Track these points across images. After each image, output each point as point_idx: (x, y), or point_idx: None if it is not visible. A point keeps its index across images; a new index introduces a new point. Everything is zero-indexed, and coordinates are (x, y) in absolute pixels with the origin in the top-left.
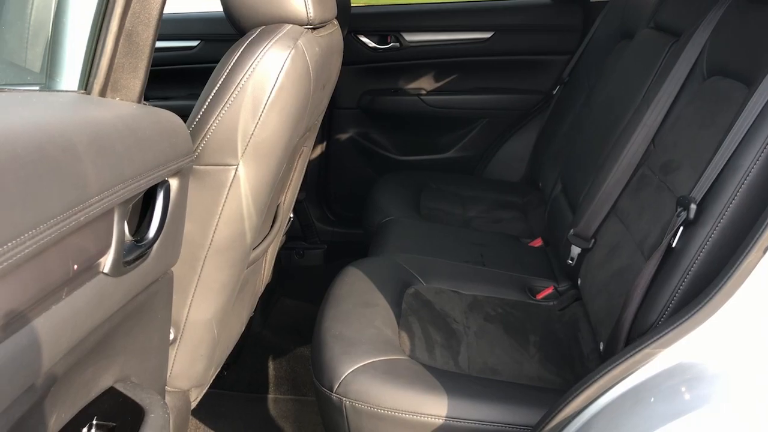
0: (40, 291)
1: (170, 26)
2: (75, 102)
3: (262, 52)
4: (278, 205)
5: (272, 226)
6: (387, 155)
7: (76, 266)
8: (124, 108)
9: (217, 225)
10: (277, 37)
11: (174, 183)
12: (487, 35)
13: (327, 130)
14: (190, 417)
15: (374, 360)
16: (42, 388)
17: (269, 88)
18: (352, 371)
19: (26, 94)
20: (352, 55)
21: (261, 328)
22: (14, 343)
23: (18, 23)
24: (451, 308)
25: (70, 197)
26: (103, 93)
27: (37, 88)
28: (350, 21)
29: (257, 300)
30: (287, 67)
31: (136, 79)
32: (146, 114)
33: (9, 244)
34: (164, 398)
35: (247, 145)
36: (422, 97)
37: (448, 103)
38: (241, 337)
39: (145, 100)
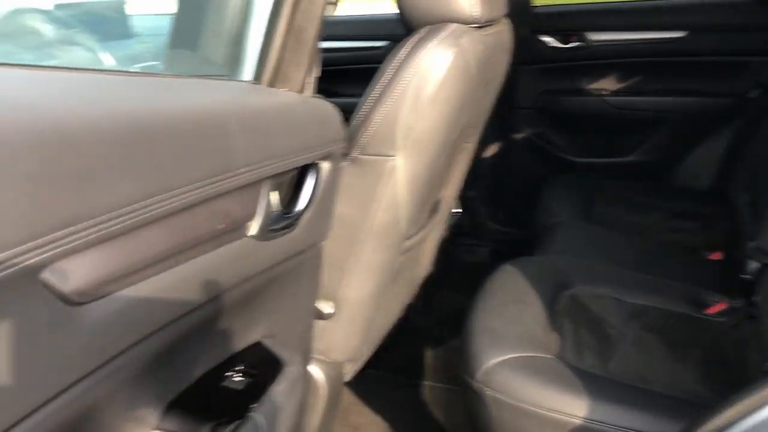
0: (189, 240)
1: (360, 27)
2: (241, 89)
3: (426, 51)
4: (439, 199)
5: (432, 218)
6: (563, 156)
7: (222, 225)
8: (283, 96)
9: (374, 211)
10: (442, 36)
11: (325, 166)
12: (678, 35)
13: (503, 129)
14: (347, 392)
15: (519, 355)
16: (189, 323)
17: (431, 85)
18: (495, 363)
19: (207, 81)
20: (533, 55)
21: (421, 317)
22: (167, 277)
23: (213, 22)
24: (608, 314)
25: (217, 165)
26: (271, 84)
27: (222, 78)
28: (530, 20)
29: (416, 288)
30: (449, 65)
31: (299, 72)
32: (302, 103)
33: (162, 195)
34: (309, 363)
35: (406, 138)
36: (605, 98)
37: (633, 105)
38: (399, 323)
39: (326, 95)
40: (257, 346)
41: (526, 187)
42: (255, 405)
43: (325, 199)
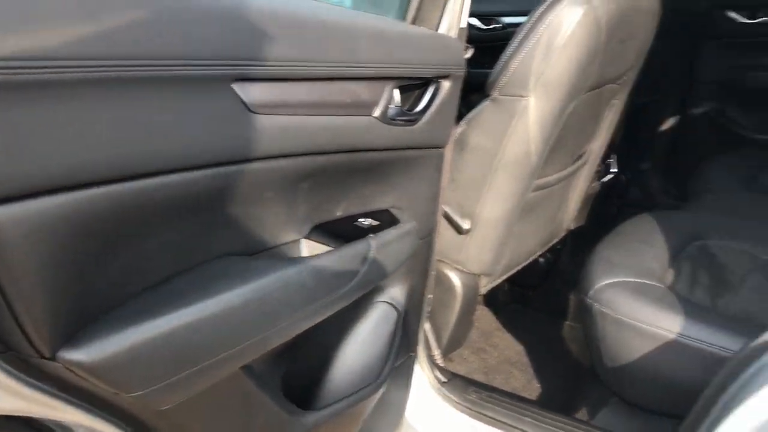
0: (326, 101)
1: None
2: (384, 21)
3: (560, 7)
4: (586, 150)
5: (575, 164)
6: (742, 133)
7: (349, 100)
8: (414, 28)
9: (507, 143)
10: None
11: (445, 84)
12: None
13: (682, 103)
14: (492, 318)
15: (629, 279)
16: (327, 164)
17: (561, 37)
18: (605, 283)
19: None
20: (716, 30)
21: (568, 263)
22: (311, 120)
23: None
24: (734, 264)
25: (344, 55)
26: (413, 23)
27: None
28: None
29: (562, 233)
30: (579, 20)
31: (435, 12)
32: (430, 34)
33: (310, 62)
34: (448, 269)
35: (537, 82)
36: None
37: None
38: (547, 266)
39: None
40: (385, 212)
41: (701, 162)
42: (372, 235)
43: (444, 110)
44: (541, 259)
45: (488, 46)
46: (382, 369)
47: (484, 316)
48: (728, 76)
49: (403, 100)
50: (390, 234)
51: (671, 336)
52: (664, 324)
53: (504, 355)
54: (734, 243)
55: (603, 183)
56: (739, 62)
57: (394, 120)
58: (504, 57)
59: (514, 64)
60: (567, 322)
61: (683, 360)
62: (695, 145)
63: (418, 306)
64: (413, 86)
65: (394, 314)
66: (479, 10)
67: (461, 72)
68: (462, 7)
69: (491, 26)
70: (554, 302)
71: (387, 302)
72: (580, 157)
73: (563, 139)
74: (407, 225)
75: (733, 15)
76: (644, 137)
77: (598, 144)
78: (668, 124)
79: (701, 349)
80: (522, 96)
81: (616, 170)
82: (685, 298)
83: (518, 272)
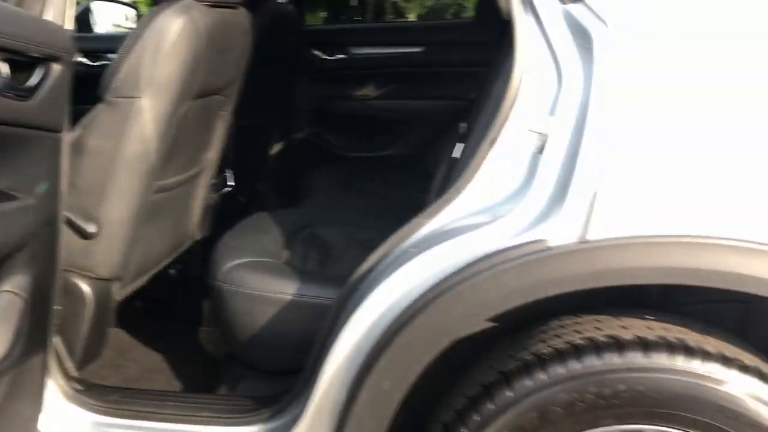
0: None
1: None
2: None
3: (164, 16)
4: (201, 158)
5: (192, 170)
6: (337, 153)
7: None
8: (19, 9)
9: (125, 143)
10: (176, 6)
11: (56, 67)
12: (421, 49)
13: (286, 128)
14: (128, 336)
15: (252, 259)
16: None
17: (167, 42)
18: (231, 265)
19: None
20: (304, 65)
21: (199, 272)
22: None
23: None
24: (338, 242)
25: None
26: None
27: None
28: (301, 35)
29: (189, 241)
30: (181, 28)
31: (37, 4)
32: (34, 15)
33: None
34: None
35: (149, 83)
36: (367, 102)
37: (389, 107)
38: (179, 275)
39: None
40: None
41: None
42: None
43: (56, 93)
44: (172, 271)
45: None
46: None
47: (119, 336)
48: (319, 105)
49: (16, 78)
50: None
51: (291, 298)
52: (285, 289)
53: (143, 366)
54: (336, 228)
55: (222, 195)
56: (326, 93)
57: (2, 92)
58: (114, 61)
59: (125, 67)
60: (203, 328)
61: (303, 317)
62: (301, 165)
63: (45, 299)
64: (24, 64)
65: (19, 304)
66: (87, 47)
67: (71, 58)
68: (65, 3)
69: (98, 63)
70: (189, 311)
71: (11, 291)
72: (197, 164)
73: (180, 144)
74: (24, 201)
75: (317, 53)
76: (256, 158)
77: (212, 154)
78: (277, 146)
79: (317, 304)
80: (135, 97)
81: (233, 184)
82: (300, 268)
83: (150, 287)
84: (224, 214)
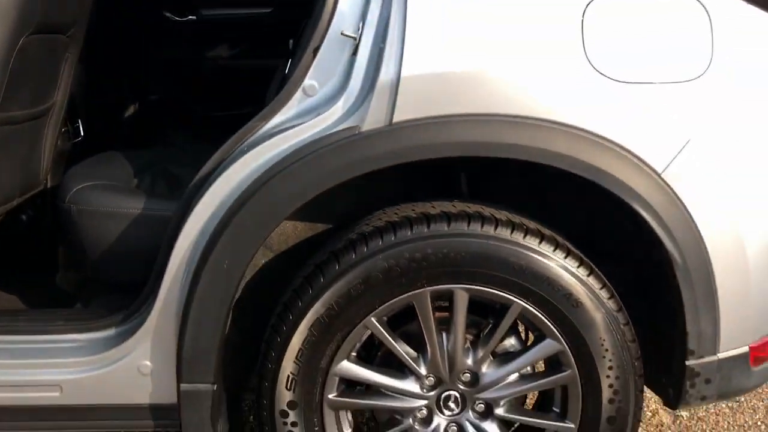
0: None
1: None
2: None
3: None
4: (52, 103)
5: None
6: (193, 113)
7: None
8: None
9: None
10: None
11: None
12: (268, 10)
13: (139, 91)
14: None
15: (102, 182)
16: None
17: None
18: (81, 187)
19: None
20: (157, 25)
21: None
22: None
23: None
24: (183, 174)
25: None
26: None
27: None
28: None
29: (39, 185)
30: None
31: None
32: None
33: None
34: None
35: None
36: (220, 62)
37: (242, 66)
38: (29, 221)
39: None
40: None
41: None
42: None
43: None
44: (24, 216)
45: None
46: None
47: None
48: (172, 66)
49: None
50: None
51: (140, 212)
52: (134, 205)
53: None
54: (186, 168)
55: (74, 144)
56: (179, 54)
57: None
58: None
59: None
60: (59, 274)
61: (152, 231)
62: (156, 125)
63: None
64: None
65: None
66: None
67: None
68: None
69: None
70: (44, 255)
71: None
72: (44, 102)
73: (22, 77)
74: None
75: (168, 14)
76: (109, 116)
77: (60, 97)
78: (131, 108)
79: (166, 217)
80: None
81: (83, 134)
82: (149, 191)
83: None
84: (75, 164)
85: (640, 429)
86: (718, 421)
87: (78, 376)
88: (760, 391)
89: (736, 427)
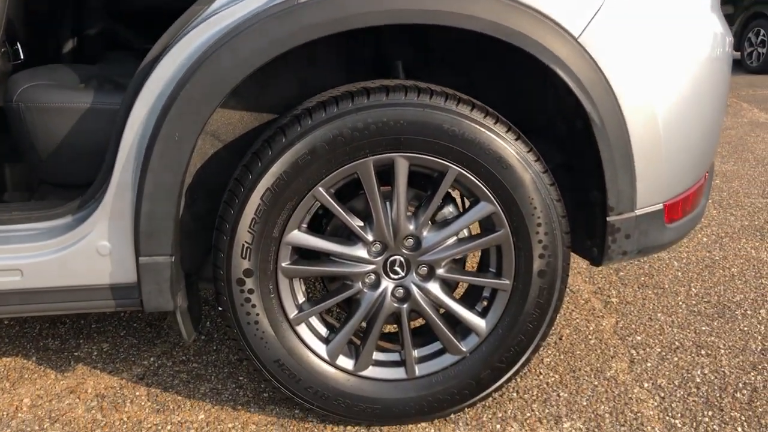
0: None
1: None
2: None
3: None
4: None
5: None
6: (132, 46)
7: None
8: None
9: None
10: None
11: None
12: None
13: (77, 26)
14: None
15: (51, 82)
16: None
17: None
18: (28, 86)
19: None
20: None
21: None
22: None
23: None
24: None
25: None
26: None
27: None
28: None
29: None
30: None
31: None
32: None
33: None
34: None
35: None
36: None
37: None
38: None
39: None
40: None
41: None
42: None
43: None
44: None
45: None
46: None
47: None
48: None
49: None
50: None
51: (90, 106)
52: (83, 99)
53: None
54: (124, 78)
55: (15, 65)
56: None
57: None
58: None
59: None
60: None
61: (103, 124)
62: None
63: None
64: None
65: None
66: None
67: None
68: None
69: None
70: None
71: None
72: None
73: None
74: None
75: None
76: (49, 49)
77: None
78: (69, 43)
79: (115, 109)
80: None
81: (23, 58)
82: (98, 89)
83: None
84: None
85: (574, 313)
86: (645, 304)
87: (38, 259)
88: (681, 277)
89: (660, 308)
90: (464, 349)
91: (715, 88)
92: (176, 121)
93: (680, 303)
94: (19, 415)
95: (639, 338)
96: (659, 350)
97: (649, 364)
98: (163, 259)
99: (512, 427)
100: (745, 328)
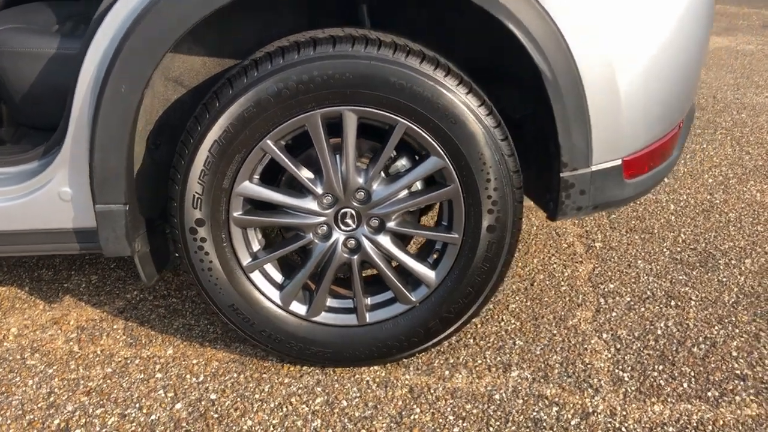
0: None
1: None
2: None
3: None
4: None
5: None
6: None
7: None
8: None
9: None
10: None
11: None
12: None
13: None
14: None
15: (18, 26)
16: None
17: None
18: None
19: None
20: None
21: None
22: None
23: None
24: None
25: None
26: None
27: None
28: None
29: None
30: None
31: None
32: None
33: None
34: None
35: None
36: None
37: None
38: None
39: None
40: None
41: None
42: None
43: None
44: None
45: None
46: None
47: None
48: None
49: None
50: None
51: (56, 51)
52: (50, 44)
53: None
54: None
55: None
56: None
57: None
58: None
59: None
60: None
61: (69, 68)
62: None
63: None
64: None
65: None
66: None
67: None
68: None
69: None
70: None
71: None
72: None
73: None
74: None
75: None
76: None
77: None
78: None
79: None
80: None
81: None
82: (69, 34)
83: None
84: None
85: (554, 257)
86: (628, 250)
87: (5, 204)
88: (674, 221)
89: (643, 254)
90: (414, 299)
91: (685, 36)
92: (122, 74)
93: (664, 250)
94: (5, 344)
95: (612, 286)
96: (629, 299)
97: (614, 314)
98: (117, 207)
99: (461, 373)
100: (724, 279)
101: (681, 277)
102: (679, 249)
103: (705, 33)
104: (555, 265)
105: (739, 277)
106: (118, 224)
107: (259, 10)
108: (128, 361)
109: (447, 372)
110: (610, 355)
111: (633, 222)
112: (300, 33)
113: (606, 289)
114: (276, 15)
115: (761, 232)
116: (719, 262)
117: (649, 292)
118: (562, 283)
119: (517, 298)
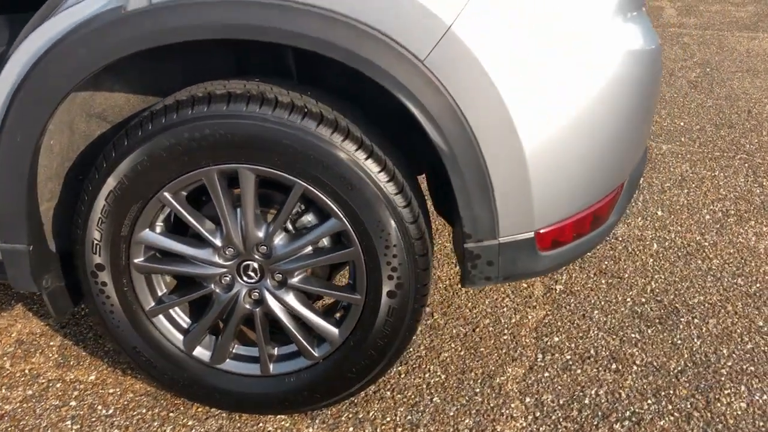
0: None
1: None
2: None
3: None
4: None
5: None
6: None
7: None
8: None
9: None
10: None
11: None
12: None
13: None
14: None
15: None
16: None
17: None
18: None
19: None
20: None
21: None
22: None
23: None
24: None
25: None
26: None
27: None
28: None
29: None
30: None
31: None
32: None
33: None
34: None
35: None
36: None
37: None
38: None
39: None
40: None
41: None
42: None
43: None
44: None
45: None
46: None
47: None
48: None
49: None
50: None
51: None
52: None
53: None
54: None
55: None
56: None
57: None
58: None
59: None
60: None
61: None
62: None
63: None
64: None
65: None
66: None
67: None
68: None
69: None
70: None
71: None
72: None
73: None
74: None
75: None
76: None
77: None
78: None
79: None
80: None
81: None
82: None
83: None
84: None
85: (507, 299)
86: (589, 296)
87: None
88: (651, 265)
89: (602, 303)
90: (317, 355)
91: (612, 100)
92: (16, 125)
93: (627, 300)
94: None
95: (556, 339)
96: (568, 357)
97: (546, 374)
98: (22, 247)
99: (366, 430)
100: (679, 341)
101: (633, 335)
102: (643, 300)
103: (647, 90)
104: (505, 309)
105: (695, 340)
106: (22, 263)
107: (185, 53)
108: (50, 384)
109: (351, 429)
110: (525, 424)
111: (606, 263)
112: (219, 82)
113: (548, 343)
114: (202, 55)
115: (739, 286)
116: (681, 319)
117: (592, 351)
118: (505, 332)
119: (452, 345)
